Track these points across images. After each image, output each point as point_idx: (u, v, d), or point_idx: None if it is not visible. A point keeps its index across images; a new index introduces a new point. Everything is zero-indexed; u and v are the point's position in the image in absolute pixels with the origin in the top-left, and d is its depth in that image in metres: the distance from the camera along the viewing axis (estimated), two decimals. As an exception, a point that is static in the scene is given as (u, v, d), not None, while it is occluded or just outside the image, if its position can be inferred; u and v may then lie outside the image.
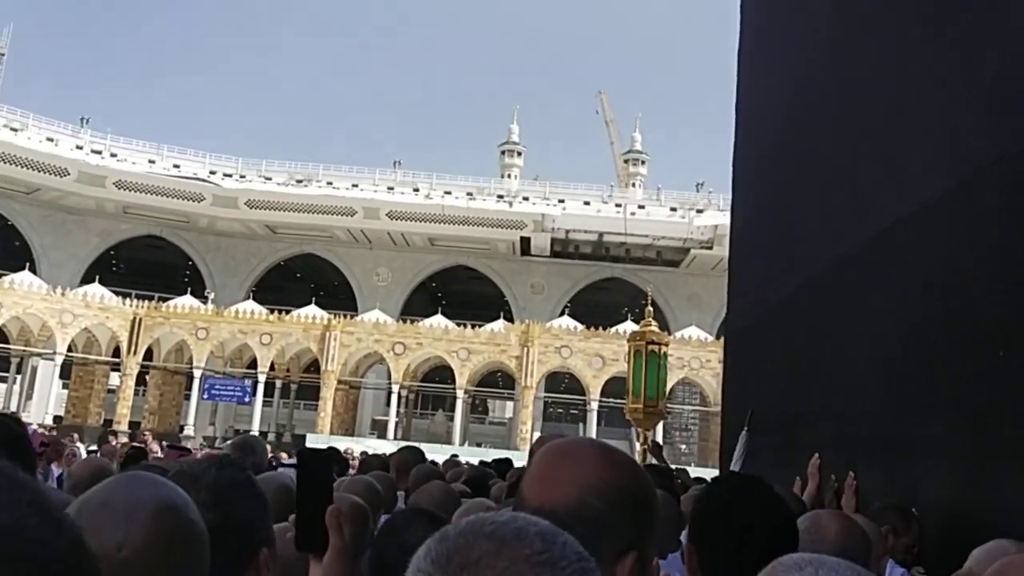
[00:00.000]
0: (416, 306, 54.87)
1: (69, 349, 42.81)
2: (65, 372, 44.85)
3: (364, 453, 19.06)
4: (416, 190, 54.53)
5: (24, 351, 43.65)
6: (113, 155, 51.45)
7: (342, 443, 29.19)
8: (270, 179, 54.11)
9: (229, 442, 4.85)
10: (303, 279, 59.44)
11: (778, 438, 5.59)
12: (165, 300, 46.32)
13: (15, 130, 48.46)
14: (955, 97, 3.49)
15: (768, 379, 6.05)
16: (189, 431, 42.24)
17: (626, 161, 64.54)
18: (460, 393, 44.53)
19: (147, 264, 56.37)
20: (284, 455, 14.74)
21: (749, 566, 1.24)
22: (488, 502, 2.50)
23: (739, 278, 7.35)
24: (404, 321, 47.28)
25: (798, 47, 6.19)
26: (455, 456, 11.46)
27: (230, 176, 53.77)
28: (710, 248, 52.30)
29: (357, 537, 1.75)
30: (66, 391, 45.92)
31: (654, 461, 7.21)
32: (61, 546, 0.45)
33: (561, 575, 0.73)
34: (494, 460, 11.22)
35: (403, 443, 32.72)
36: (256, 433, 42.89)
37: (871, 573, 1.17)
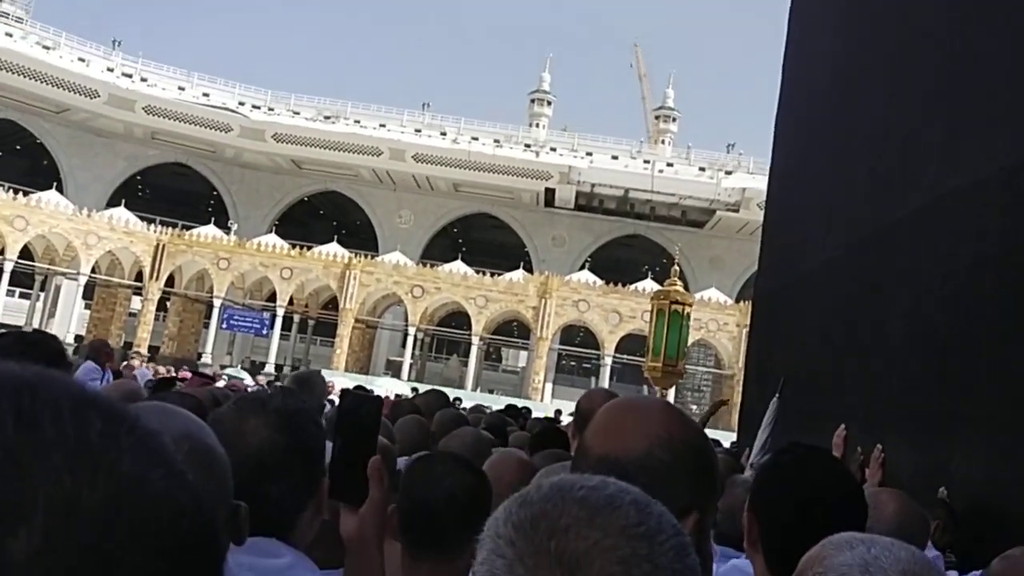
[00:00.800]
0: (436, 250, 54.86)
1: (92, 270, 43.24)
2: (88, 293, 45.44)
3: (397, 396, 19.26)
4: (443, 134, 54.14)
5: (49, 269, 44.16)
6: (143, 79, 51.31)
7: (357, 381, 29.49)
8: (298, 114, 53.86)
9: (289, 375, 4.86)
10: (326, 216, 59.50)
11: (805, 404, 5.53)
12: (188, 228, 46.54)
13: (47, 48, 48.37)
14: (1020, 69, 3.35)
15: (798, 343, 5.97)
16: (207, 359, 42.71)
17: (657, 117, 63.63)
18: (475, 340, 44.74)
19: (172, 191, 56.55)
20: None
21: (811, 540, 1.20)
22: (515, 451, 2.45)
23: (773, 238, 7.23)
24: (424, 265, 47.32)
25: (854, 4, 5.99)
26: (462, 405, 11.48)
27: (258, 108, 53.56)
28: (736, 211, 51.77)
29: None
30: (88, 312, 46.51)
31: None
32: (185, 499, 0.49)
33: (659, 550, 0.67)
34: (507, 407, 11.24)
35: (416, 384, 33.04)
36: (271, 365, 43.49)
37: (923, 552, 1.14)
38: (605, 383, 44.83)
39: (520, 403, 34.09)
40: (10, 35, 47.59)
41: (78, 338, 43.24)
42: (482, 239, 59.24)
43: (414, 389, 21.97)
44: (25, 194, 41.42)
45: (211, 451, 1.19)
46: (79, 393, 0.44)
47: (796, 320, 6.06)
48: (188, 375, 15.26)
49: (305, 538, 1.45)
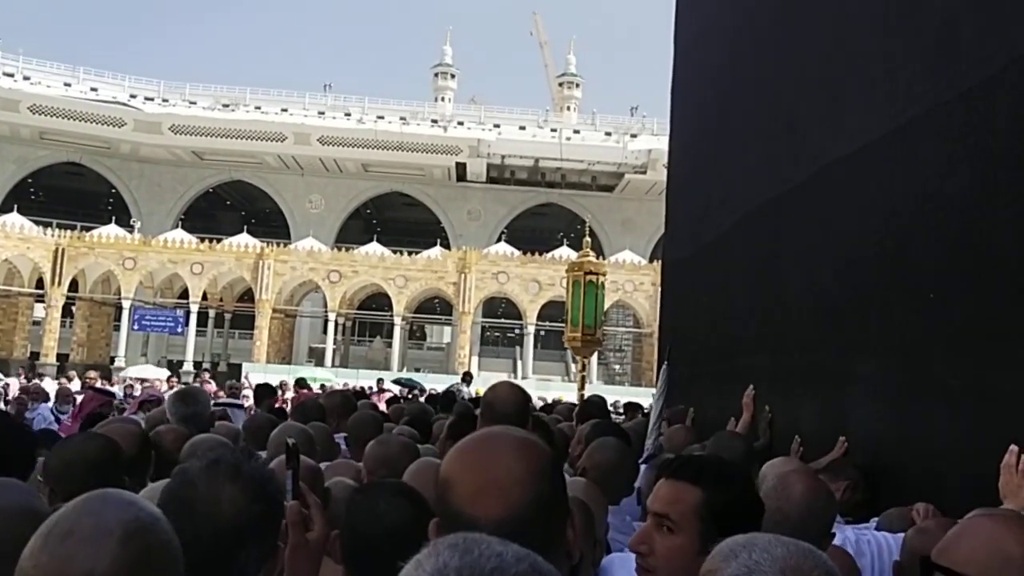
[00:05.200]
0: (351, 233, 54.16)
1: (-11, 281, 41.26)
2: (-14, 305, 43.33)
3: (302, 381, 18.94)
4: (348, 115, 53.26)
5: (-60, 284, 41.96)
6: (26, 78, 48.84)
7: (279, 371, 29.01)
8: (195, 103, 52.13)
9: (170, 393, 4.77)
10: (233, 207, 58.00)
11: (715, 368, 5.76)
12: (89, 229, 44.73)
13: (-84, 50, 45.51)
14: (897, 42, 3.53)
15: (705, 310, 6.18)
16: (120, 363, 41.37)
17: (560, 84, 63.94)
18: (398, 320, 44.50)
19: (68, 192, 54.21)
20: (222, 393, 14.62)
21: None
22: (434, 460, 2.50)
23: (676, 209, 7.42)
24: (339, 249, 46.70)
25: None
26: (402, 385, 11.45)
27: (152, 100, 51.60)
28: (644, 173, 52.60)
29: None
30: (-12, 325, 44.39)
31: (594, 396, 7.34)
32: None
33: None
34: (427, 397, 11.27)
35: (341, 370, 32.73)
36: (190, 363, 42.41)
37: (804, 544, 1.21)
38: (530, 352, 45.30)
39: (447, 378, 34.20)
40: None
41: (-20, 353, 41.32)
42: (396, 218, 58.73)
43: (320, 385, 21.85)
44: (-94, 206, 39.14)
45: (165, 544, 1.18)
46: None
47: (702, 287, 6.28)
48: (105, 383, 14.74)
49: None
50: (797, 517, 2.02)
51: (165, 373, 25.83)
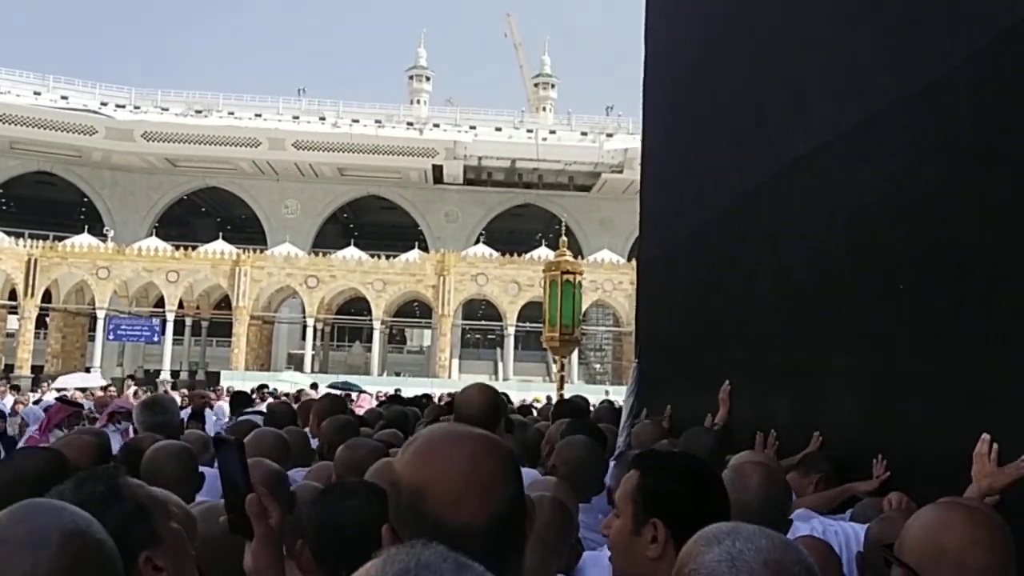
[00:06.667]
0: (328, 238, 53.94)
1: (-40, 294, 40.69)
2: (-43, 318, 42.74)
3: (272, 391, 18.74)
4: (323, 119, 53.04)
5: (-90, 298, 41.32)
6: (-7, 87, 48.26)
7: (258, 378, 28.78)
8: (167, 110, 51.72)
9: (137, 403, 4.71)
10: (208, 213, 57.58)
11: (691, 365, 5.76)
12: (61, 239, 44.27)
13: None
14: (861, 34, 3.54)
15: (681, 307, 6.19)
16: (96, 373, 40.95)
17: (536, 85, 64.02)
18: (377, 324, 44.37)
19: (39, 202, 53.61)
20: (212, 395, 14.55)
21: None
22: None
23: (650, 208, 7.42)
24: (316, 254, 46.50)
25: (706, -25, 6.16)
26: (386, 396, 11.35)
27: (123, 107, 51.13)
28: (620, 172, 52.80)
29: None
30: (-40, 338, 43.80)
31: (573, 395, 7.34)
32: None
33: None
34: (408, 401, 11.18)
35: (321, 376, 32.52)
36: (167, 372, 42.02)
37: (782, 536, 1.22)
38: (510, 352, 45.30)
39: (428, 381, 33.99)
40: None
41: (-48, 366, 40.75)
42: (374, 222, 58.55)
43: (314, 385, 21.68)
44: None
45: (102, 545, 1.18)
46: None
47: (677, 285, 6.28)
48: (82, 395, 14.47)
49: None
50: (757, 506, 2.06)
51: (100, 381, 25.24)
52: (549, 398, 14.82)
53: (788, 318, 4.19)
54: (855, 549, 2.28)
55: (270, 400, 13.67)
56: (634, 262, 41.91)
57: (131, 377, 33.55)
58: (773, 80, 4.58)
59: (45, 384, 24.82)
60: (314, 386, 20.90)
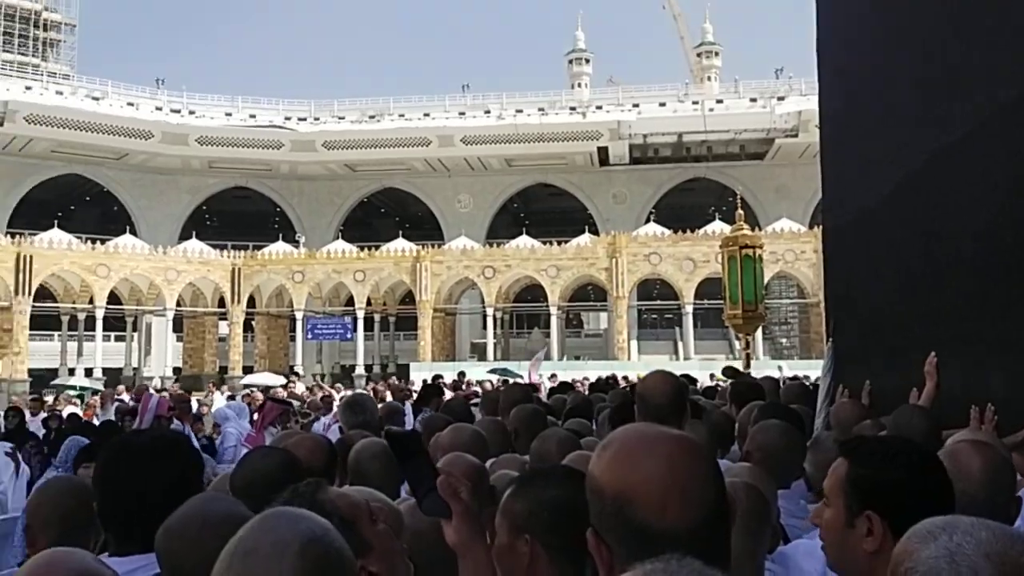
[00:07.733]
0: (500, 228, 55.01)
1: (178, 304, 44.79)
2: (177, 326, 47.18)
3: (461, 375, 19.00)
4: (487, 112, 54.02)
5: (137, 310, 45.90)
6: (191, 112, 52.59)
7: (445, 368, 29.77)
8: (343, 118, 54.48)
9: (341, 403, 4.99)
10: (388, 213, 60.17)
11: (890, 338, 5.42)
12: (259, 248, 47.75)
13: (96, 99, 49.94)
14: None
15: (876, 277, 5.83)
16: (299, 370, 43.90)
17: (699, 55, 62.29)
18: (553, 310, 44.81)
19: (238, 215, 57.98)
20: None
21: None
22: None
23: (832, 174, 7.04)
24: (490, 245, 47.51)
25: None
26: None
27: (304, 120, 54.38)
28: (795, 136, 50.35)
29: (476, 495, 1.77)
30: (181, 343, 48.27)
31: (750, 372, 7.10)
32: None
33: None
34: (591, 385, 11.13)
35: (502, 364, 33.26)
36: (361, 367, 44.39)
37: (1005, 527, 1.14)
38: (690, 331, 44.44)
39: (608, 364, 33.92)
40: (60, 93, 49.34)
41: (176, 370, 45.04)
42: (543, 209, 59.11)
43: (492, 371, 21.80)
44: (102, 242, 43.06)
45: (338, 552, 1.25)
46: None
47: (869, 253, 5.92)
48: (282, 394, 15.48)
49: None
50: (980, 494, 1.89)
51: (281, 379, 26.63)
52: (712, 376, 14.19)
53: (996, 284, 3.85)
54: None
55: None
56: (816, 230, 39.88)
57: (315, 376, 35.53)
58: (966, 25, 4.21)
59: (225, 385, 26.77)
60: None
